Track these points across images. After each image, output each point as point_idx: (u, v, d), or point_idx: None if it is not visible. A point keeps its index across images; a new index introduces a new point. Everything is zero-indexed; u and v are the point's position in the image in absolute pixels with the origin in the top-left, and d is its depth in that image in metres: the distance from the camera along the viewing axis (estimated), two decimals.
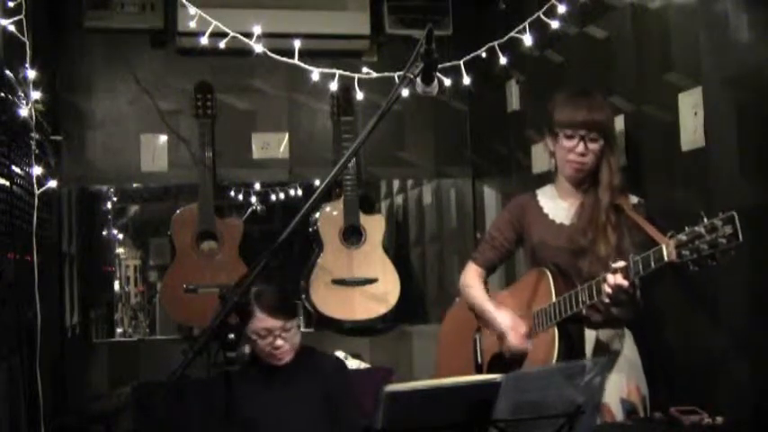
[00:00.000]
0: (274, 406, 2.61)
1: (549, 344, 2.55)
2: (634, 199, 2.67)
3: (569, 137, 2.64)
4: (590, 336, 2.61)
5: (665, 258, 2.17)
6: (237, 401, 2.49)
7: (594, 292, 2.41)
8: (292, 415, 2.61)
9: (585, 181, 2.70)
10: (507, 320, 2.71)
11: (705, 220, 2.06)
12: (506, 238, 2.87)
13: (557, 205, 2.78)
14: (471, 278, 2.91)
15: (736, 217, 2.00)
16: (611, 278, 2.33)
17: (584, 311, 2.51)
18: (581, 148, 2.63)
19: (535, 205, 2.82)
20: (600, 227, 2.59)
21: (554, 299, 2.56)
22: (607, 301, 2.38)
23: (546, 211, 2.79)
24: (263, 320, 2.59)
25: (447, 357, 3.12)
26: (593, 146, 2.63)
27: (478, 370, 2.89)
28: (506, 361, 2.71)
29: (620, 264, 2.33)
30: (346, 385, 2.73)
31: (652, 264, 2.22)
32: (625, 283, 2.31)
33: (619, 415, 2.53)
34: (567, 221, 2.73)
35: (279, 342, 2.60)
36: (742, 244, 2.00)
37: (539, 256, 2.75)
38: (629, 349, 2.65)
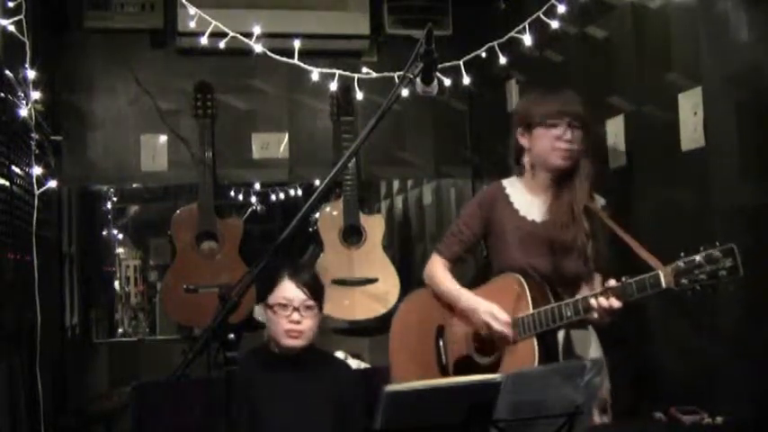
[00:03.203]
0: (284, 393, 2.58)
1: (529, 353, 2.51)
2: (601, 200, 2.67)
3: (554, 125, 2.62)
4: (558, 336, 2.59)
5: (663, 285, 2.19)
6: (246, 384, 2.47)
7: (581, 309, 2.39)
8: (301, 406, 2.59)
9: (563, 174, 2.66)
10: (491, 307, 2.61)
11: (702, 248, 2.09)
12: (474, 233, 2.81)
13: (527, 201, 2.73)
14: (440, 270, 2.82)
15: (736, 249, 2.02)
16: (603, 301, 2.33)
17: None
18: (569, 134, 2.61)
19: (505, 200, 2.76)
20: (577, 218, 2.58)
21: (531, 309, 2.52)
22: (597, 318, 2.39)
23: (516, 206, 2.74)
24: (288, 289, 2.55)
25: (402, 361, 2.91)
26: (576, 133, 2.62)
27: (443, 371, 2.77)
28: (476, 363, 2.66)
29: (612, 284, 2.33)
30: (358, 392, 2.69)
31: (648, 289, 2.23)
32: (620, 304, 2.31)
33: (595, 414, 2.49)
34: (538, 218, 2.70)
35: (296, 316, 2.54)
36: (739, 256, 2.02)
37: (511, 256, 2.69)
38: (595, 349, 2.64)
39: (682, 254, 2.14)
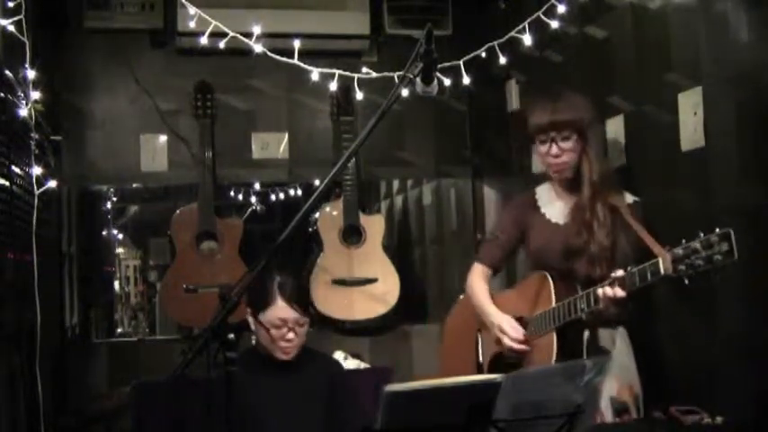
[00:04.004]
0: (275, 397, 2.59)
1: (548, 348, 2.58)
2: (629, 198, 2.69)
3: (542, 141, 2.71)
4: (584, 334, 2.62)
5: (662, 272, 2.20)
6: (238, 387, 2.47)
7: (592, 301, 2.44)
8: (292, 409, 2.60)
9: (573, 181, 2.73)
10: (503, 324, 2.74)
11: (702, 235, 2.09)
12: (510, 237, 2.91)
13: (553, 206, 2.82)
14: (477, 280, 2.94)
15: (733, 234, 2.02)
16: (608, 290, 2.37)
17: (584, 318, 2.52)
18: (554, 149, 2.68)
19: (534, 205, 2.86)
20: (586, 224, 2.62)
21: (554, 304, 2.59)
22: (602, 308, 2.42)
23: (543, 211, 2.83)
24: (282, 310, 2.55)
25: (449, 355, 3.15)
26: (565, 144, 2.67)
27: (479, 369, 2.91)
28: (506, 361, 2.74)
29: (619, 274, 2.36)
30: (347, 387, 2.72)
31: (648, 276, 2.26)
32: (623, 294, 2.35)
33: (608, 414, 2.52)
34: (561, 221, 2.77)
35: (291, 335, 2.56)
36: (739, 256, 2.02)
37: (538, 258, 2.79)
38: (621, 348, 2.66)
39: (683, 241, 2.15)
